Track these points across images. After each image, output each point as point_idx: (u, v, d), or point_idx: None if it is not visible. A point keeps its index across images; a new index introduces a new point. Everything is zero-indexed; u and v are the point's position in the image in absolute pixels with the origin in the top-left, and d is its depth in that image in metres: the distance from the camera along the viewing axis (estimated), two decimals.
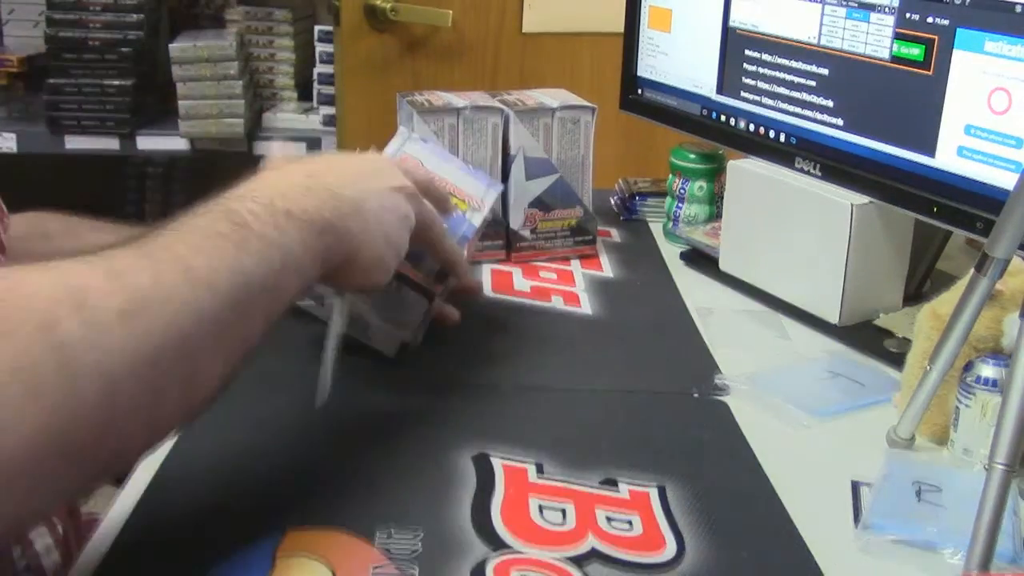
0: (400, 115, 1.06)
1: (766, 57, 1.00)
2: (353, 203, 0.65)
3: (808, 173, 0.96)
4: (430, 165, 0.89)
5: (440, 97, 1.05)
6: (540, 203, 1.06)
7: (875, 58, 0.88)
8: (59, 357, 0.44)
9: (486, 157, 1.04)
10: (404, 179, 0.73)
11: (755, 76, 1.02)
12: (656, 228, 1.21)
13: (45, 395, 0.44)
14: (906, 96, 0.86)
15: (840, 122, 0.93)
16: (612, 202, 1.27)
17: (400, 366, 0.84)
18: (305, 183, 0.63)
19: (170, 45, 2.09)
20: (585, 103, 1.07)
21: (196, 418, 0.54)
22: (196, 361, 0.52)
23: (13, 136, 2.07)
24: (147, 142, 2.11)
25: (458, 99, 1.04)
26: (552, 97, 1.08)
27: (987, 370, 0.70)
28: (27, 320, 0.44)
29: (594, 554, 0.61)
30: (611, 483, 0.69)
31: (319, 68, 2.18)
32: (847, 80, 0.92)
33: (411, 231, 0.73)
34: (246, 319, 0.55)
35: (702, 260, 1.09)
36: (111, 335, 0.47)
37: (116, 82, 2.08)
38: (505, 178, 1.05)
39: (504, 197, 1.06)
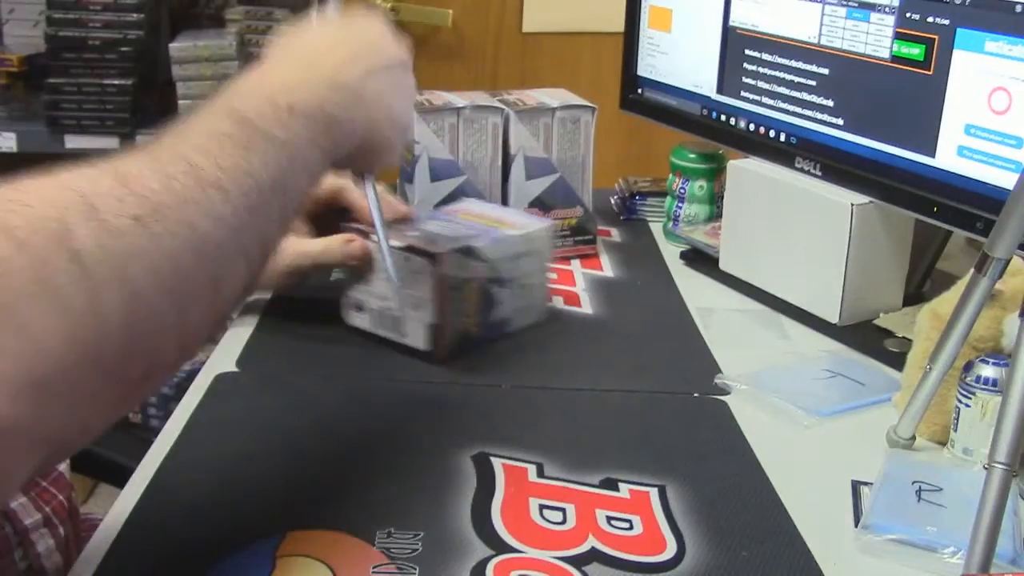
0: None
1: (766, 57, 1.00)
2: (354, 92, 0.64)
3: (808, 173, 0.96)
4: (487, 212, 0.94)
5: (440, 96, 1.05)
6: (540, 203, 1.06)
7: (875, 58, 0.88)
8: (77, 267, 0.43)
9: (486, 157, 1.04)
10: (400, 50, 0.70)
11: (755, 76, 1.02)
12: (656, 228, 1.21)
13: (68, 308, 0.43)
14: (906, 96, 0.86)
15: (840, 122, 0.93)
16: (612, 202, 1.27)
17: (399, 365, 0.84)
18: (305, 76, 0.61)
19: (170, 44, 2.09)
20: (585, 103, 1.07)
21: (224, 325, 0.54)
22: (217, 264, 0.51)
23: (13, 136, 2.07)
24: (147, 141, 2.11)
25: (458, 99, 1.04)
26: (552, 97, 1.08)
27: (987, 370, 0.70)
28: (40, 230, 0.43)
29: (594, 555, 0.61)
30: (611, 483, 0.69)
31: None
32: (847, 80, 0.92)
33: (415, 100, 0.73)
34: (261, 219, 0.54)
35: (702, 260, 1.09)
36: (127, 241, 0.45)
37: (116, 81, 2.07)
38: (505, 178, 1.05)
39: (504, 197, 1.06)
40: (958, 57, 0.81)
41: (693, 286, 1.04)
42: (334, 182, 0.88)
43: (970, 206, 0.81)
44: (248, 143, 0.54)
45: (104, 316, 0.44)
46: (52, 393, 0.42)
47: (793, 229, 0.96)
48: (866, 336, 0.92)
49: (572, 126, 1.05)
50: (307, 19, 0.69)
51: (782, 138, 1.00)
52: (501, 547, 0.61)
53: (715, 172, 1.15)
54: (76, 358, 0.43)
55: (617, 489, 0.68)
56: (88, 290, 0.43)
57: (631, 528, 0.64)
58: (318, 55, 0.64)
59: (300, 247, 0.87)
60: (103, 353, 0.44)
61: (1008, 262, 0.65)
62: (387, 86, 0.67)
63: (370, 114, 0.65)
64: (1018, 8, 0.76)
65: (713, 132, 1.09)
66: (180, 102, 2.09)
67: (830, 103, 0.94)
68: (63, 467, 0.77)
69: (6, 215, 0.42)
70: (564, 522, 0.64)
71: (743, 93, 1.04)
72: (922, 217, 0.87)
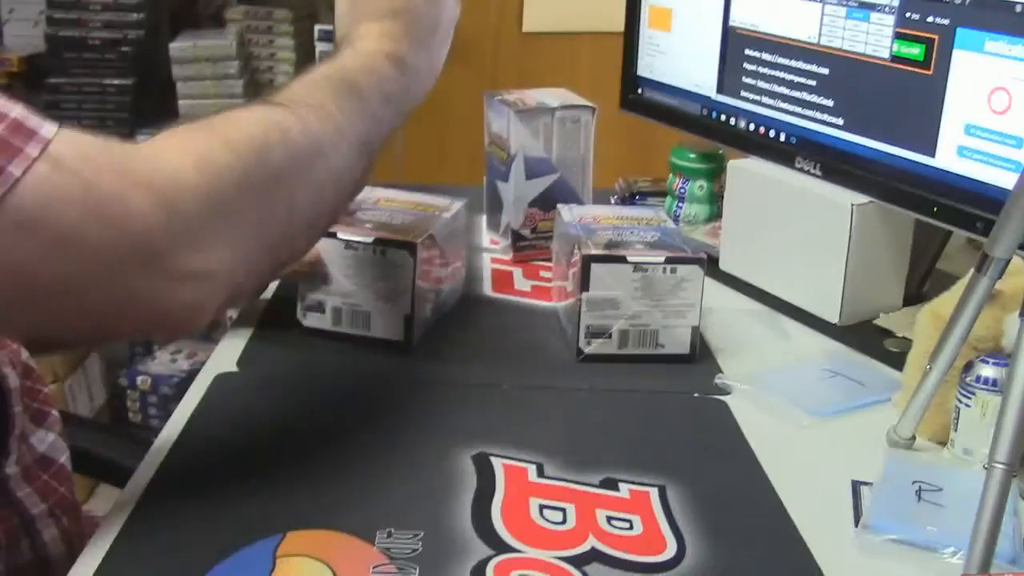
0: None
1: (766, 56, 1.00)
2: (411, 71, 0.76)
3: (808, 173, 0.96)
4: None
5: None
6: (540, 202, 1.06)
7: (875, 58, 0.88)
8: (274, 180, 0.62)
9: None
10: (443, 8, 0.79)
11: (755, 75, 1.02)
12: None
13: (264, 205, 0.62)
14: (906, 96, 0.86)
15: (840, 122, 0.93)
16: (612, 201, 1.27)
17: (399, 365, 0.84)
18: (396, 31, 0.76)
19: (170, 44, 2.09)
20: (585, 102, 1.07)
21: (337, 217, 0.75)
22: (342, 192, 0.70)
23: None
24: None
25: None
26: (552, 96, 1.08)
27: (987, 370, 0.70)
28: (251, 147, 0.61)
29: (594, 555, 0.61)
30: (611, 483, 0.69)
31: None
32: (847, 80, 0.92)
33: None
34: (368, 153, 0.70)
35: None
36: (301, 170, 0.64)
37: (116, 81, 2.08)
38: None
39: (505, 195, 1.06)
40: (958, 57, 0.81)
41: None
42: None
43: (970, 206, 0.81)
44: (366, 98, 0.70)
45: (280, 216, 0.63)
46: (246, 261, 0.61)
47: (793, 229, 0.96)
48: (866, 336, 0.92)
49: (572, 126, 1.06)
50: None
51: (782, 138, 1.00)
52: (501, 547, 0.61)
53: (715, 172, 1.15)
54: (262, 240, 0.62)
55: (617, 489, 0.68)
56: (275, 197, 0.62)
57: (631, 528, 0.64)
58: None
59: None
60: (275, 241, 0.64)
61: (1008, 262, 0.65)
62: (447, 28, 0.79)
63: (424, 84, 0.77)
64: (1018, 8, 0.76)
65: (713, 132, 1.09)
66: (180, 102, 2.09)
67: (830, 103, 0.94)
68: (64, 459, 0.77)
69: (226, 133, 0.61)
70: (564, 522, 0.64)
71: (743, 93, 1.04)
72: (922, 217, 0.87)
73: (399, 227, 0.86)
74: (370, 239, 0.84)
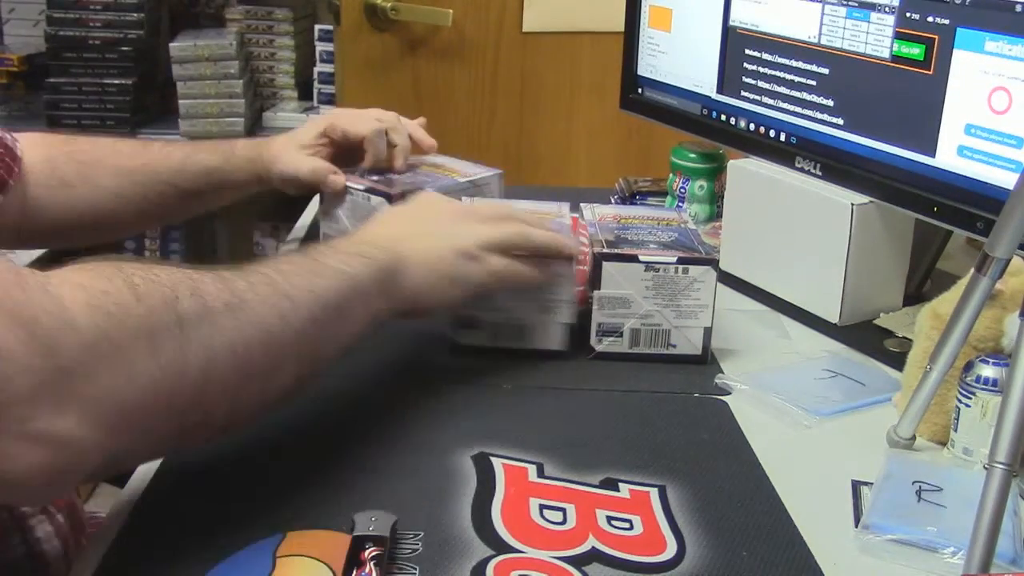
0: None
1: (766, 56, 1.00)
2: (405, 258, 0.74)
3: (808, 173, 0.96)
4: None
5: None
6: None
7: (875, 57, 0.88)
8: (178, 328, 0.53)
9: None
10: (475, 238, 0.78)
11: (755, 75, 1.01)
12: None
13: (161, 357, 0.52)
14: (906, 96, 0.86)
15: (840, 121, 0.93)
16: (612, 201, 1.27)
17: (400, 366, 0.84)
18: (374, 241, 0.74)
19: (170, 44, 2.09)
20: None
21: (268, 412, 0.63)
22: (277, 358, 0.61)
23: None
24: None
25: None
26: None
27: (987, 370, 0.70)
28: (156, 292, 0.53)
29: (594, 555, 0.61)
30: (611, 483, 0.68)
31: (319, 67, 2.18)
32: (847, 79, 0.92)
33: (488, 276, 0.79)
34: (320, 331, 0.64)
35: None
36: (217, 319, 0.56)
37: (116, 81, 2.08)
38: None
39: None
40: (958, 57, 0.81)
41: None
42: (369, 127, 1.02)
43: (970, 206, 0.81)
44: (317, 269, 0.66)
45: (184, 372, 0.53)
46: (126, 423, 0.51)
47: (793, 229, 0.96)
48: (866, 336, 0.92)
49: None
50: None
51: (782, 138, 1.00)
52: (501, 547, 0.61)
53: (715, 172, 1.15)
54: (154, 399, 0.52)
55: (617, 489, 0.68)
56: (180, 348, 0.53)
57: (631, 528, 0.64)
58: (391, 234, 0.76)
59: (294, 158, 1.01)
60: (173, 401, 0.53)
61: (1008, 262, 0.65)
62: (440, 256, 0.76)
63: (420, 274, 0.75)
64: (1018, 8, 0.76)
65: (713, 132, 1.09)
66: (180, 102, 2.09)
67: (830, 103, 0.94)
68: None
69: (132, 276, 0.53)
70: (564, 522, 0.64)
71: (743, 93, 1.04)
72: (922, 217, 0.87)
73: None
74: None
